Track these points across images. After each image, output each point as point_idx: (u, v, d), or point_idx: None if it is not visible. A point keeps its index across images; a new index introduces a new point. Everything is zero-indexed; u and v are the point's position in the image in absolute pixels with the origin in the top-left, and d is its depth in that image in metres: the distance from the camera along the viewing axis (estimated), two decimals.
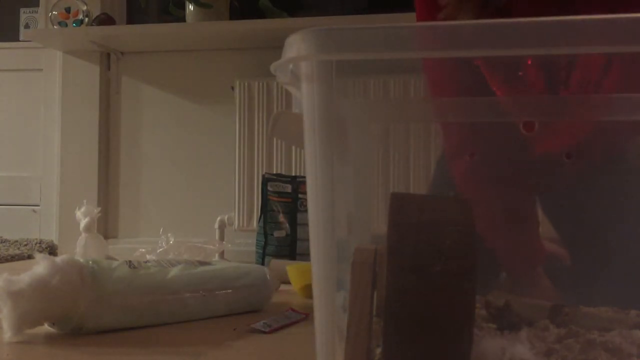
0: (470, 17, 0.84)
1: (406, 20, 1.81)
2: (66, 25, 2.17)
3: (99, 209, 1.45)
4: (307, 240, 0.49)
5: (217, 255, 1.50)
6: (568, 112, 0.68)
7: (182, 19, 2.12)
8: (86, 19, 2.16)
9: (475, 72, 0.86)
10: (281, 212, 1.63)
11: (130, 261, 0.87)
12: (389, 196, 0.51)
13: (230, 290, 0.94)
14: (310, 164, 0.48)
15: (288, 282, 1.14)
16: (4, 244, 2.12)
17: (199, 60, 2.21)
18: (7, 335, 0.73)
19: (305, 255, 1.53)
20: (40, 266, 0.77)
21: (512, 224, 0.81)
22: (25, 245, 2.09)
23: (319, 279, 0.49)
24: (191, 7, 2.07)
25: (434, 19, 0.93)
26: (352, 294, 0.48)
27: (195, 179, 2.21)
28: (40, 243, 2.13)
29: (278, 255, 1.58)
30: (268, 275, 1.01)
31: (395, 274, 0.47)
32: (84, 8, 2.16)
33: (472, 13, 0.84)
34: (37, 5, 2.40)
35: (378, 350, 0.49)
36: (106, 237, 2.05)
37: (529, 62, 0.84)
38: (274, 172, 1.83)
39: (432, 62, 0.92)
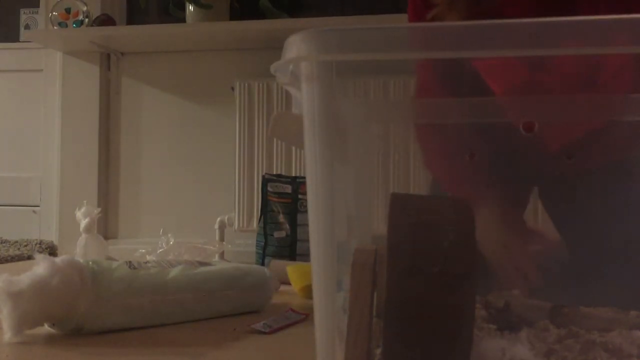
0: (460, 18, 0.84)
1: (406, 21, 1.81)
2: (66, 26, 2.17)
3: (99, 209, 1.45)
4: (307, 240, 0.49)
5: (217, 255, 1.50)
6: (569, 112, 0.68)
7: (182, 19, 2.12)
8: (86, 20, 2.16)
9: (468, 72, 0.86)
10: (281, 213, 1.63)
11: (130, 262, 0.87)
12: (389, 196, 0.51)
13: (230, 291, 0.94)
14: (310, 164, 0.48)
15: (288, 283, 1.14)
16: (4, 244, 2.12)
17: (199, 60, 2.21)
18: (7, 335, 0.73)
19: (306, 256, 1.53)
20: (40, 267, 0.77)
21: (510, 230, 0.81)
22: (26, 245, 2.09)
23: (319, 279, 0.49)
24: (191, 7, 2.07)
25: (422, 18, 0.93)
26: (352, 294, 0.48)
27: (195, 179, 2.21)
28: (40, 244, 2.13)
29: (278, 255, 1.58)
30: (268, 276, 1.01)
31: (395, 275, 0.47)
32: (84, 9, 2.16)
33: (462, 13, 0.83)
34: (37, 5, 2.40)
35: (378, 351, 0.49)
36: (106, 238, 2.05)
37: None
38: (274, 173, 1.83)
39: (424, 62, 0.92)
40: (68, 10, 2.18)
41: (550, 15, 0.41)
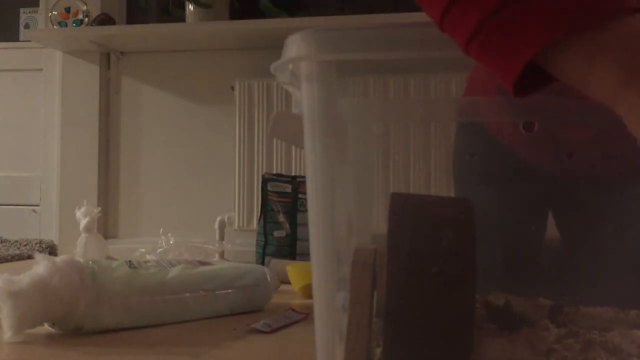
0: None
1: (406, 20, 1.81)
2: (66, 25, 2.17)
3: (99, 209, 1.45)
4: (307, 240, 0.49)
5: (217, 255, 1.50)
6: (569, 111, 0.68)
7: (182, 19, 2.12)
8: (86, 19, 2.16)
9: None
10: (281, 212, 1.63)
11: (130, 261, 0.87)
12: (389, 196, 0.51)
13: (230, 290, 0.94)
14: (310, 164, 0.48)
15: (288, 282, 1.14)
16: (4, 244, 2.12)
17: (199, 60, 2.21)
18: (7, 335, 0.73)
19: (306, 255, 1.53)
20: (40, 266, 0.77)
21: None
22: (25, 245, 2.09)
23: (319, 279, 0.49)
24: (191, 7, 2.07)
25: None
26: (352, 294, 0.48)
27: (195, 179, 2.21)
28: (40, 243, 2.13)
29: (278, 255, 1.58)
30: (268, 275, 1.01)
31: (395, 274, 0.47)
32: (84, 8, 2.16)
33: None
34: (37, 5, 2.40)
35: (378, 351, 0.49)
36: (106, 237, 2.05)
37: None
38: (274, 172, 1.83)
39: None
40: (68, 10, 2.18)
41: None
